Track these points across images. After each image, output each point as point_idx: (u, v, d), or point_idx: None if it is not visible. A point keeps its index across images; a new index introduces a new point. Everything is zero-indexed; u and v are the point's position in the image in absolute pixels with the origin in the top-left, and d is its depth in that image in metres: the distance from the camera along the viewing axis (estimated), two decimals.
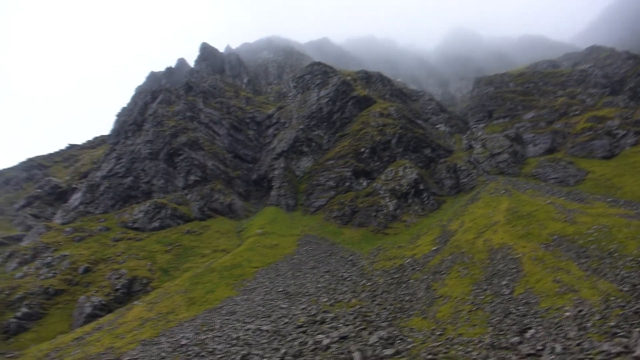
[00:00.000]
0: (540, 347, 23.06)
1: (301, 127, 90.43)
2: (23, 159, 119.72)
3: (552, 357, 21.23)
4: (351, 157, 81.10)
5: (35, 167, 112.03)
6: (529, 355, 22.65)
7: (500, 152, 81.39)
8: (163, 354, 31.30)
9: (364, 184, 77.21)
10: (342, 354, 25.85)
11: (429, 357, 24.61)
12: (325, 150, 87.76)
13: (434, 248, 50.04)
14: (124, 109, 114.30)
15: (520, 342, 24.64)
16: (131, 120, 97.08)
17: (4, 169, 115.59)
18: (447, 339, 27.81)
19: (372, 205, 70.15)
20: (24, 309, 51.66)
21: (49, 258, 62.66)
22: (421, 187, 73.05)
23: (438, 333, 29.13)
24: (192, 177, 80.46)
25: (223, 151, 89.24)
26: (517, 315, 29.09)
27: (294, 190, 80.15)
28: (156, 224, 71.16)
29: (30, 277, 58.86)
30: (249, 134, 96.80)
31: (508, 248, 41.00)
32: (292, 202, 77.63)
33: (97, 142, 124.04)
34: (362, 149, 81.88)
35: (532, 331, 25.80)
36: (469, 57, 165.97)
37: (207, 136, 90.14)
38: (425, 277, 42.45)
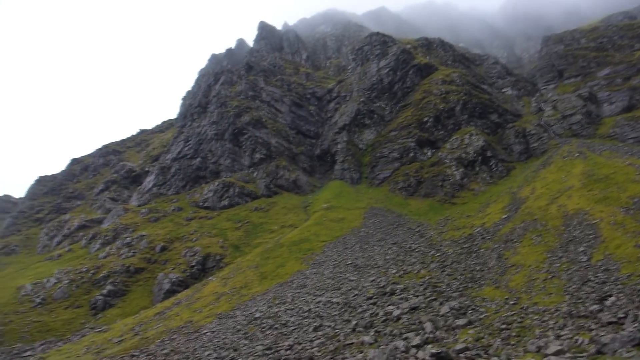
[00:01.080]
0: (622, 315, 22.04)
1: (362, 99, 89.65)
2: (99, 146, 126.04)
3: (636, 325, 20.25)
4: (414, 127, 79.74)
5: (110, 153, 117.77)
6: (610, 323, 21.71)
7: (572, 114, 77.35)
8: (239, 327, 32.49)
9: (429, 153, 75.86)
10: (414, 324, 25.85)
11: (503, 326, 24.15)
12: (388, 122, 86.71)
13: (505, 216, 48.65)
14: (188, 93, 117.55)
15: (600, 310, 23.66)
16: (196, 103, 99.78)
17: (83, 156, 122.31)
18: (521, 308, 27.17)
19: (438, 175, 68.92)
20: (109, 287, 55.03)
21: (128, 238, 66.16)
22: (488, 154, 70.87)
23: (512, 302, 28.49)
24: (257, 155, 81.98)
25: (286, 128, 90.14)
26: (596, 283, 27.90)
27: (357, 164, 80.00)
28: (225, 202, 73.30)
29: (112, 257, 62.47)
30: (311, 109, 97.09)
31: (584, 213, 39.20)
32: (357, 176, 77.59)
33: (166, 126, 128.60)
34: (426, 118, 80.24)
35: (612, 299, 24.68)
36: (536, 15, 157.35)
37: (270, 114, 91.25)
38: (496, 246, 41.45)
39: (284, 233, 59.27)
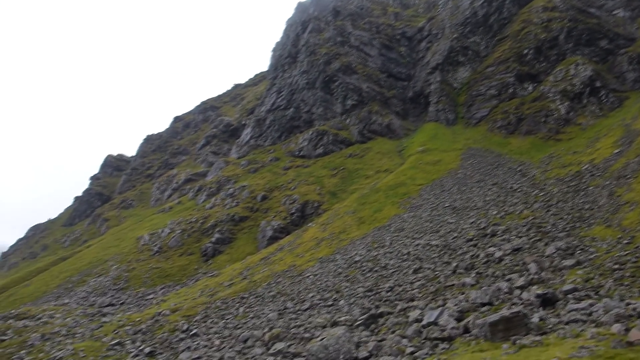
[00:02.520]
0: None
1: (455, 36, 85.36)
2: (198, 103, 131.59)
3: None
4: (513, 61, 75.00)
5: (208, 109, 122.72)
6: None
7: None
8: (339, 270, 33.46)
9: (530, 88, 71.31)
10: (517, 265, 25.17)
11: (615, 266, 22.82)
12: (484, 57, 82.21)
13: (617, 151, 45.10)
14: (277, 44, 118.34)
15: None
16: (286, 54, 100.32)
17: (184, 114, 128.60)
18: (636, 247, 25.44)
19: (541, 110, 64.86)
20: (217, 235, 58.56)
21: (231, 189, 69.48)
22: (597, 84, 65.29)
23: (625, 242, 26.74)
24: (349, 102, 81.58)
25: (376, 72, 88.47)
26: None
27: (452, 104, 77.23)
28: (320, 150, 74.30)
29: (218, 207, 66.11)
30: (401, 51, 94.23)
31: None
32: (452, 116, 75.06)
33: (258, 79, 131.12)
34: (525, 51, 75.05)
35: None
36: None
37: (359, 59, 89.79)
38: (607, 182, 38.73)
39: (380, 178, 59.27)
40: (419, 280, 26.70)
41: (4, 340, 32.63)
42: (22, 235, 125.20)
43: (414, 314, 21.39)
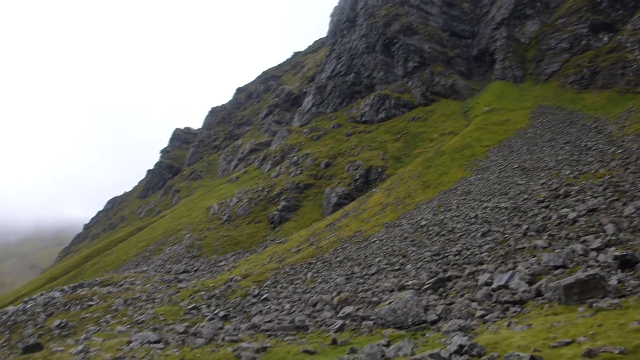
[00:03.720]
0: None
1: None
2: (259, 73, 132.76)
3: None
4: (586, 10, 70.27)
5: (269, 78, 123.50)
6: None
7: None
8: (405, 234, 33.33)
9: (605, 39, 66.75)
10: (592, 227, 24.09)
11: None
12: (554, 8, 77.49)
13: None
14: (336, 9, 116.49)
15: None
16: (344, 18, 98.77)
17: (246, 85, 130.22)
18: None
19: (617, 62, 60.71)
20: (283, 203, 59.63)
21: (295, 157, 70.22)
22: None
23: None
24: (411, 64, 79.64)
25: (438, 31, 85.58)
26: None
27: (520, 60, 73.74)
28: (382, 115, 73.40)
29: (282, 176, 67.12)
30: (464, 7, 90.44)
31: None
32: (520, 73, 71.75)
33: (318, 46, 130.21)
34: None
35: None
36: None
37: (420, 18, 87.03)
38: None
39: (444, 141, 57.99)
40: (488, 243, 26.15)
41: (91, 305, 35.03)
42: (101, 208, 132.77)
43: (483, 278, 21.06)
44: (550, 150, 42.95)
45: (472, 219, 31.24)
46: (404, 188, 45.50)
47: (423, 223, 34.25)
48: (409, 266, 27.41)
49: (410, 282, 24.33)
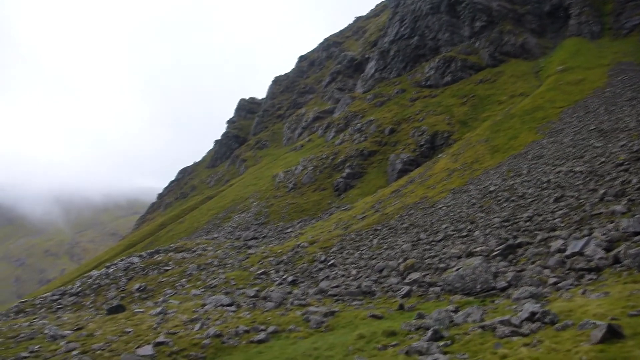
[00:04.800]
0: None
1: None
2: (320, 40, 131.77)
3: None
4: None
5: (331, 45, 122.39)
6: None
7: None
8: (473, 200, 32.62)
9: None
10: None
11: None
12: None
13: None
14: None
15: None
16: None
17: (308, 53, 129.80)
18: None
19: None
20: (347, 170, 59.73)
21: (359, 124, 69.83)
22: None
23: None
24: (478, 24, 76.35)
25: None
26: None
27: (597, 14, 68.97)
28: (448, 78, 71.27)
29: (347, 143, 67.04)
30: None
31: None
32: (597, 28, 67.22)
33: (380, 9, 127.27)
34: None
35: None
36: None
37: None
38: None
39: (514, 103, 55.70)
40: (561, 209, 25.15)
41: (167, 270, 36.88)
42: (173, 177, 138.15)
43: (556, 244, 20.35)
44: (631, 110, 40.32)
45: (544, 184, 30.08)
46: (472, 153, 44.32)
47: (492, 189, 33.35)
48: (477, 232, 26.90)
49: (478, 249, 23.92)
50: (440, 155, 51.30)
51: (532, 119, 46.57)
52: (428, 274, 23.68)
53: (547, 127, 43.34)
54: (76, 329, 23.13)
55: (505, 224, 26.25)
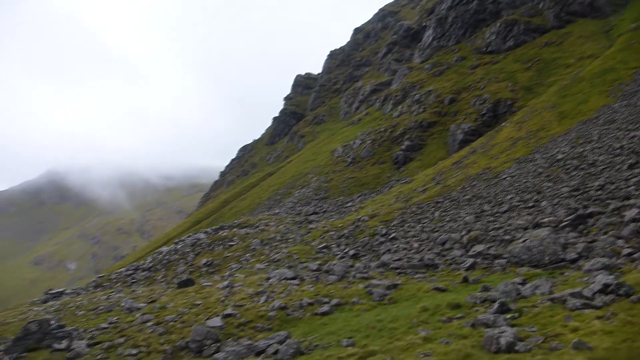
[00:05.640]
0: None
1: None
2: (375, 11, 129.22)
3: None
4: None
5: (387, 15, 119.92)
6: None
7: None
8: (539, 170, 31.44)
9: None
10: None
11: None
12: None
13: None
14: None
15: None
16: None
17: (363, 24, 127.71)
18: None
19: None
20: (407, 142, 58.91)
21: (417, 95, 68.46)
22: None
23: None
24: None
25: None
26: None
27: None
28: (510, 42, 68.33)
29: (405, 115, 66.02)
30: None
31: None
32: None
33: None
34: None
35: None
36: None
37: None
38: None
39: (583, 66, 52.77)
40: (636, 176, 23.81)
41: (232, 245, 37.95)
42: (234, 156, 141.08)
43: (630, 213, 19.34)
44: None
45: (617, 150, 28.53)
46: (537, 120, 42.55)
47: (559, 157, 31.99)
48: (544, 203, 25.97)
49: (546, 220, 23.12)
50: (503, 124, 49.59)
51: (602, 81, 44.01)
52: (493, 246, 23.17)
53: (620, 89, 40.86)
54: (150, 302, 24.32)
55: (575, 193, 25.18)
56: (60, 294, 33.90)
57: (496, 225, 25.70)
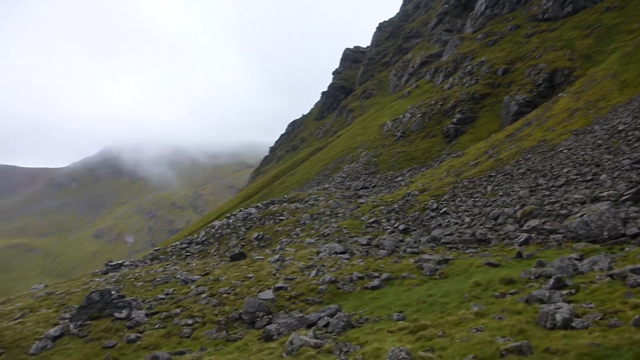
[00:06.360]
0: None
1: None
2: None
3: None
4: None
5: None
6: None
7: None
8: (599, 142, 30.15)
9: None
10: None
11: None
12: None
13: None
14: None
15: None
16: None
17: None
18: None
19: None
20: (458, 115, 57.57)
21: (469, 67, 66.55)
22: None
23: None
24: None
25: None
26: None
27: None
28: (568, 9, 65.10)
29: (456, 87, 64.39)
30: None
31: None
32: None
33: None
34: None
35: None
36: None
37: None
38: None
39: None
40: None
41: (282, 219, 38.49)
42: (283, 131, 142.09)
43: None
44: None
45: None
46: (597, 90, 40.61)
47: (620, 128, 30.52)
48: (603, 176, 24.97)
49: (605, 193, 22.26)
50: (560, 95, 47.62)
51: None
52: (548, 221, 22.55)
53: None
54: (204, 274, 25.12)
55: (637, 165, 24.08)
56: (120, 265, 35.46)
57: (552, 200, 24.95)
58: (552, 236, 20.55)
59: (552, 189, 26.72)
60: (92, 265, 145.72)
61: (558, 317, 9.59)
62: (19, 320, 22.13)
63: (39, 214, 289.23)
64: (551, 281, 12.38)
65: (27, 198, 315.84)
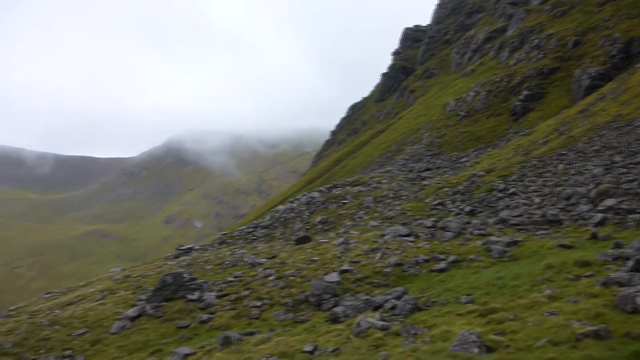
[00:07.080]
0: None
1: None
2: None
3: None
4: None
5: None
6: None
7: None
8: None
9: None
10: None
11: None
12: None
13: None
14: None
15: None
16: None
17: None
18: None
19: None
20: (525, 92, 55.40)
21: (536, 40, 63.73)
22: None
23: None
24: None
25: None
26: None
27: None
28: None
29: (523, 62, 61.90)
30: None
31: None
32: None
33: None
34: None
35: None
36: None
37: None
38: None
39: None
40: None
41: (345, 203, 38.60)
42: (342, 115, 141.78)
43: None
44: None
45: None
46: None
47: None
48: None
49: None
50: (637, 66, 44.76)
51: None
52: (625, 200, 21.42)
53: None
54: (270, 257, 25.68)
55: None
56: (190, 249, 36.82)
57: (629, 178, 23.65)
58: (630, 216, 19.52)
59: (630, 166, 25.32)
60: (164, 250, 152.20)
61: (639, 300, 9.14)
62: (101, 301, 23.56)
63: (113, 202, 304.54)
64: (630, 263, 11.77)
65: (102, 187, 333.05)
